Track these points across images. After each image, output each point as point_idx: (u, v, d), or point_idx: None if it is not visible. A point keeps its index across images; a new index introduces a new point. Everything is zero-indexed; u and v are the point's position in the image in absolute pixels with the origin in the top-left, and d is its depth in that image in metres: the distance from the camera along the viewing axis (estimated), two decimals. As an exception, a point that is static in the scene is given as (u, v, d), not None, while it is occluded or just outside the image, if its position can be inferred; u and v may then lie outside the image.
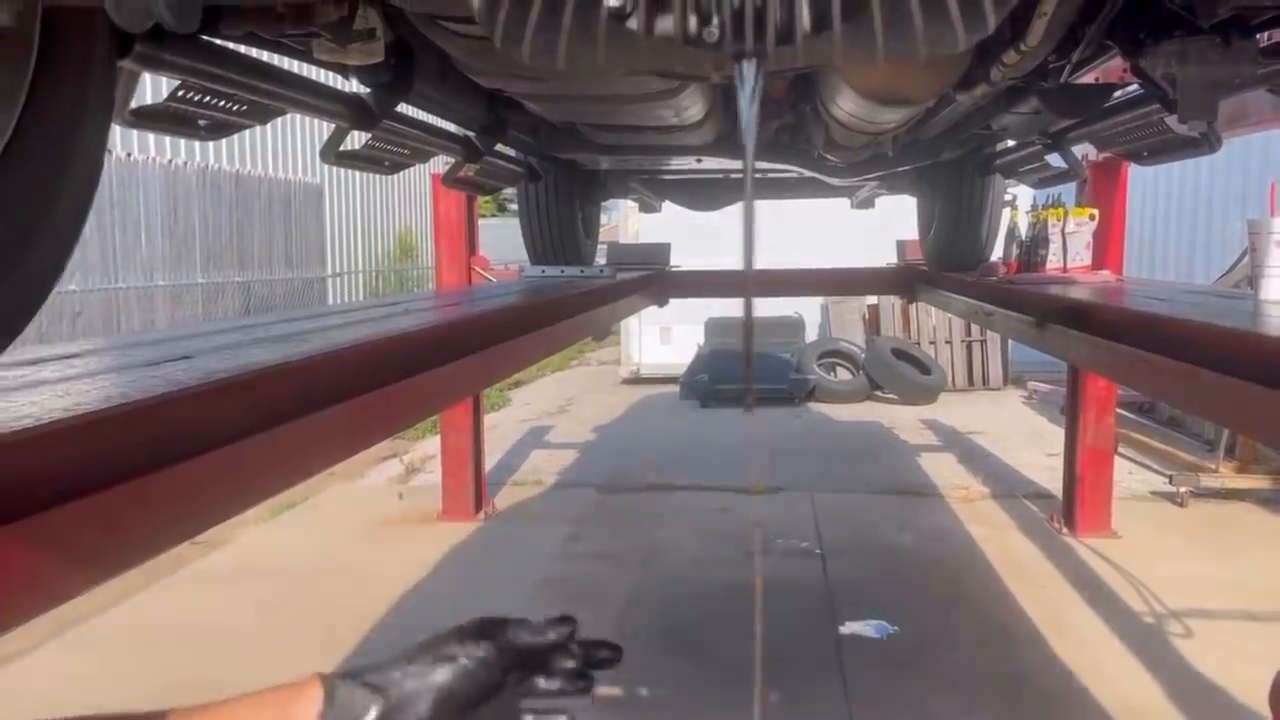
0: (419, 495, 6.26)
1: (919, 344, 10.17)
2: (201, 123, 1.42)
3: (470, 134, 2.84)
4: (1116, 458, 5.65)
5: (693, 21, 0.71)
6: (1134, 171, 5.21)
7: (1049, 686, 3.51)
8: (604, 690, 0.72)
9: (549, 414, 9.24)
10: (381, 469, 7.06)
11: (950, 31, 0.72)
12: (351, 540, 5.46)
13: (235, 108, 1.47)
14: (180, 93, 1.35)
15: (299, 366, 1.43)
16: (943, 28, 0.71)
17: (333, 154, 2.36)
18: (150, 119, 1.36)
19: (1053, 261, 3.62)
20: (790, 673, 3.53)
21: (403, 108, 2.15)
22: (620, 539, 5.38)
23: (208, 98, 1.39)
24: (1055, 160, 3.19)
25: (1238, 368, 1.66)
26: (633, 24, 0.72)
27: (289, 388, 1.38)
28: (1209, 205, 8.76)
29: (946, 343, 10.32)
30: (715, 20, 0.70)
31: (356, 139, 2.29)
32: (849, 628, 3.98)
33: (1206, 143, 2.14)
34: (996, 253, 4.06)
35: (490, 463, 6.59)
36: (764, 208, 6.63)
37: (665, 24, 0.72)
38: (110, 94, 1.04)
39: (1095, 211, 3.72)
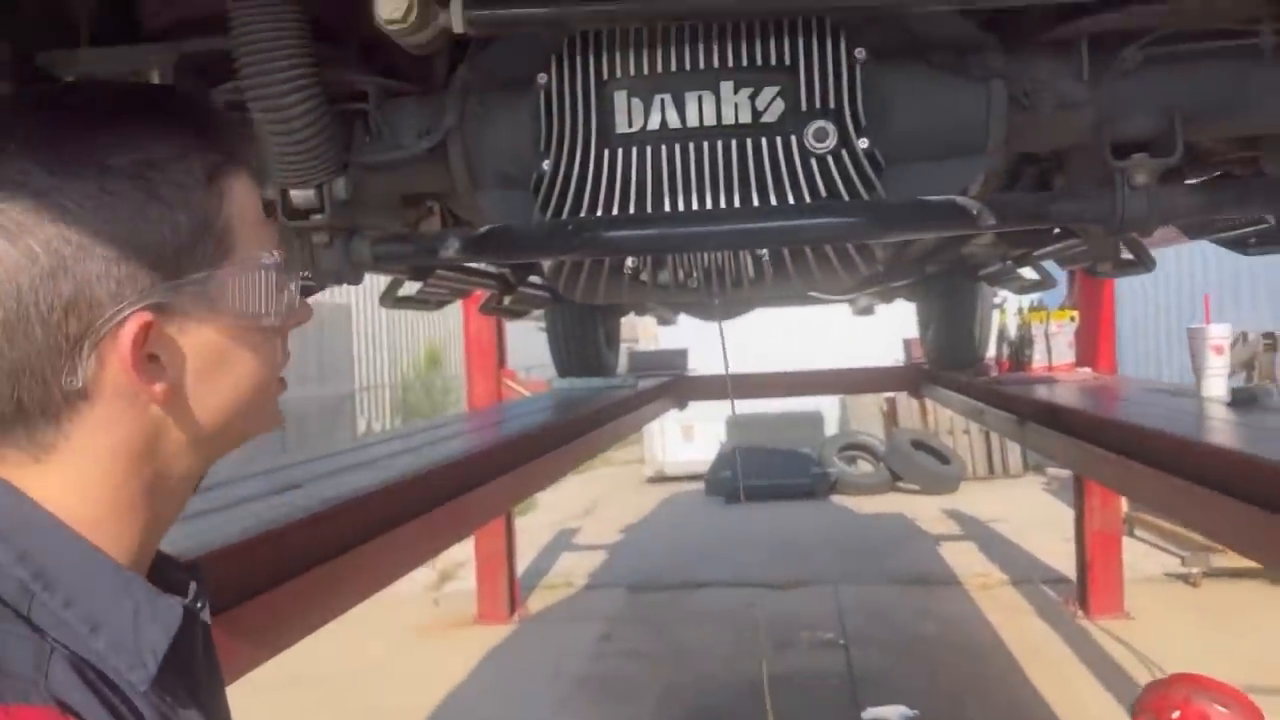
0: (454, 601, 6.51)
1: (937, 434, 10.41)
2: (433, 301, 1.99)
3: (506, 272, 3.24)
4: (1131, 540, 5.86)
5: (680, 275, 1.08)
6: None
7: (1063, 763, 3.69)
8: None
9: (576, 516, 9.49)
10: (414, 576, 7.32)
11: (839, 279, 1.08)
12: (392, 646, 5.71)
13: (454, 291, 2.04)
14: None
15: (384, 491, 1.78)
16: (834, 277, 1.08)
17: (392, 299, 2.75)
18: (404, 301, 1.88)
19: (1040, 361, 3.95)
20: (816, 757, 3.73)
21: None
22: (651, 637, 5.60)
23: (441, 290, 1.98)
24: (1030, 271, 3.54)
25: (1176, 467, 1.96)
26: (644, 278, 1.09)
27: (379, 509, 1.72)
28: (1203, 300, 9.06)
29: (964, 432, 10.54)
30: (695, 275, 1.07)
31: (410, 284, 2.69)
32: (871, 713, 4.19)
33: (1142, 264, 2.48)
34: (992, 351, 4.40)
35: (521, 566, 6.84)
36: (777, 312, 7.01)
37: (664, 277, 1.09)
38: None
39: (1075, 314, 4.05)
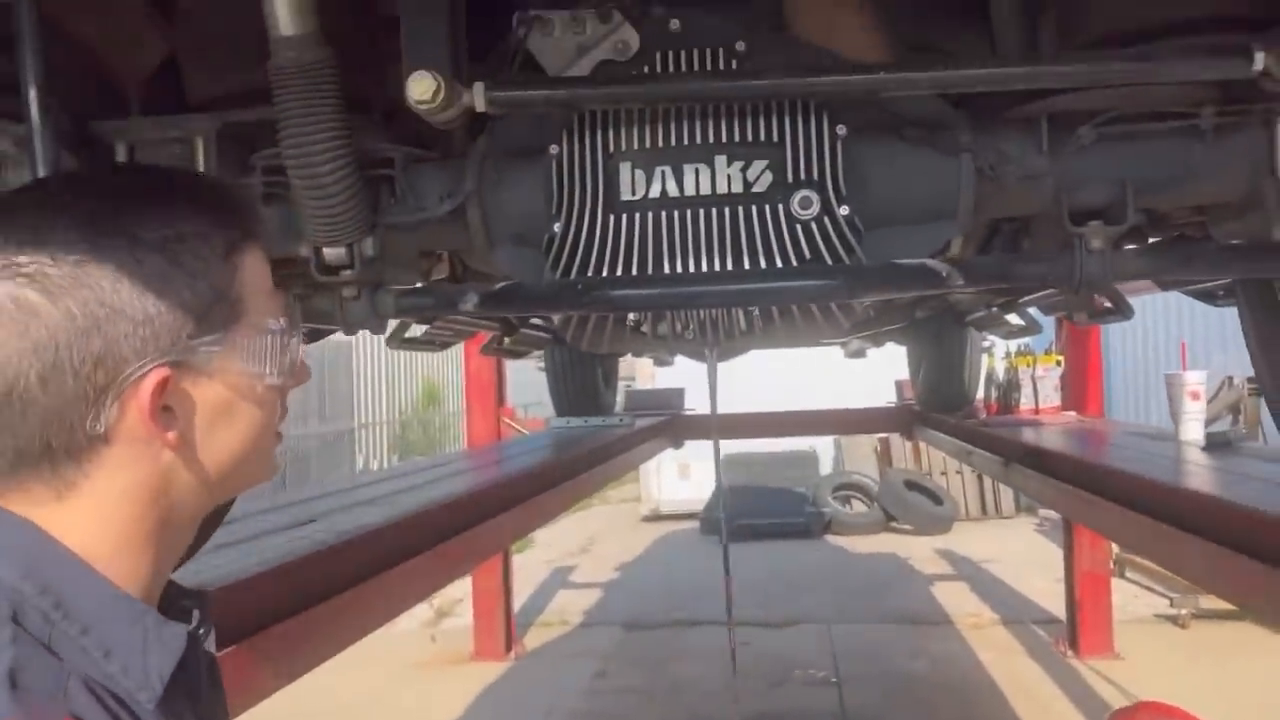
0: (451, 637, 6.55)
1: (930, 475, 10.49)
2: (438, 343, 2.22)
3: (509, 315, 3.35)
4: (1121, 582, 5.93)
5: (678, 327, 1.19)
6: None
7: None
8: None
9: (572, 554, 9.53)
10: (412, 612, 7.36)
11: (822, 333, 1.19)
12: (390, 682, 5.75)
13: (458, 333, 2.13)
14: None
15: (395, 526, 1.87)
16: (817, 332, 1.19)
17: (399, 341, 2.85)
18: (411, 343, 2.09)
19: (1027, 404, 4.06)
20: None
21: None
22: (646, 674, 5.64)
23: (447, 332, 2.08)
24: (1016, 318, 3.66)
25: (1148, 509, 2.06)
26: (644, 329, 1.20)
27: (390, 544, 1.82)
28: (1201, 343, 9.20)
29: (957, 473, 10.61)
30: (691, 327, 1.18)
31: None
32: (863, 750, 4.24)
33: (1120, 312, 2.59)
34: (981, 393, 4.52)
35: (517, 603, 6.88)
36: (772, 353, 7.12)
37: (663, 328, 1.20)
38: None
39: (1061, 358, 4.18)
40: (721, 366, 1.95)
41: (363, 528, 1.78)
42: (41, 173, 1.10)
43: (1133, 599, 6.44)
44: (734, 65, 1.24)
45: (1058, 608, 6.43)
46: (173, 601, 0.76)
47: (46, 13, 1.17)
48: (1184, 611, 5.99)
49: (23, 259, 0.65)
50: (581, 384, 4.88)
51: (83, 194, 0.70)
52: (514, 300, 1.30)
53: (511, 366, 6.68)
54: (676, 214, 1.23)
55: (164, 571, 0.73)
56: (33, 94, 1.09)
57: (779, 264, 1.19)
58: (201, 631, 0.75)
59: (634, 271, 1.21)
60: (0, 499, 0.68)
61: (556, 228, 1.26)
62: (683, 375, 7.09)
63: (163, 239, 0.68)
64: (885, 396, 6.95)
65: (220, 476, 0.73)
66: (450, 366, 16.86)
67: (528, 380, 10.63)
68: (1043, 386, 4.05)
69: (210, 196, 0.74)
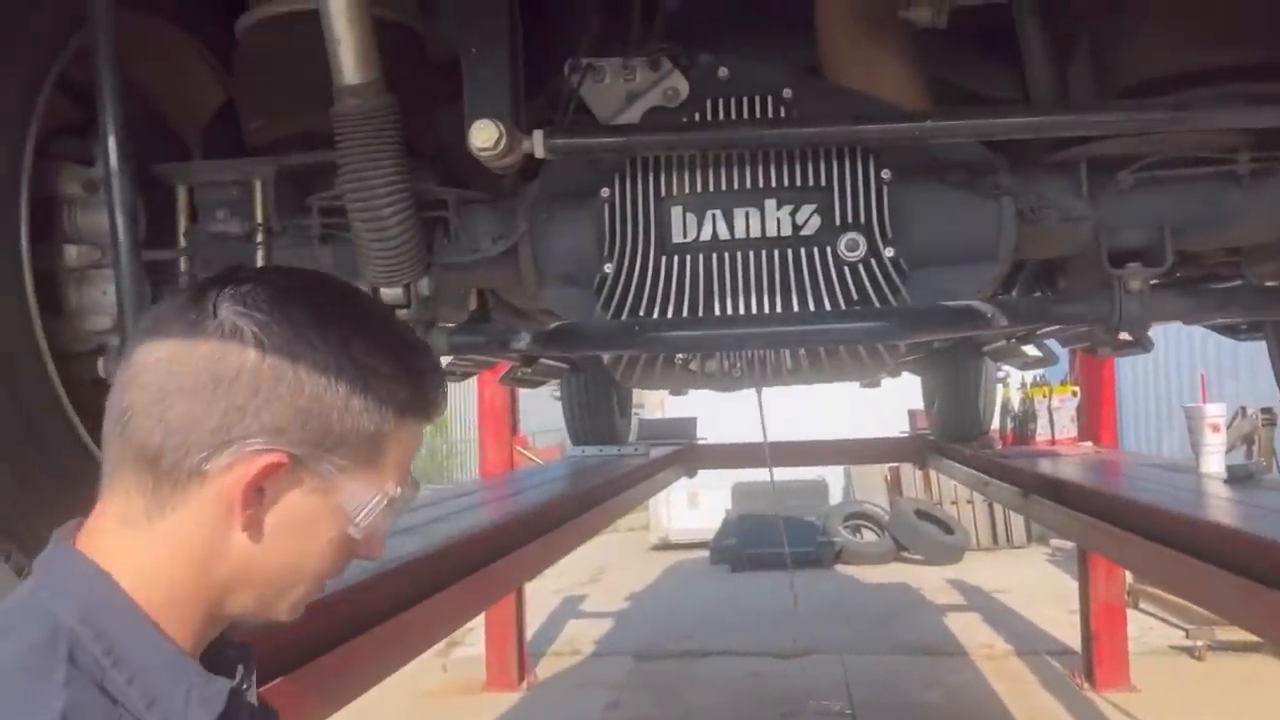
0: (462, 666, 6.52)
1: (941, 504, 10.45)
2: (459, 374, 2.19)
3: (564, 354, 3.38)
4: (1136, 613, 5.91)
5: (725, 365, 1.22)
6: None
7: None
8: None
9: (582, 583, 9.50)
10: (426, 642, 7.32)
11: (867, 371, 1.22)
12: (403, 713, 5.73)
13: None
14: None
15: (424, 559, 1.89)
16: (862, 369, 1.22)
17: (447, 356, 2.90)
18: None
19: (1043, 434, 4.07)
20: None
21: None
22: (658, 705, 5.62)
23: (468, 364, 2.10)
24: (1033, 349, 3.68)
25: (1174, 541, 2.07)
26: (693, 367, 1.23)
27: (419, 578, 1.84)
28: (1214, 372, 9.21)
29: (968, 502, 10.57)
30: (738, 365, 1.22)
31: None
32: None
33: (1140, 345, 2.62)
34: (996, 424, 4.53)
35: (529, 632, 6.86)
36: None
37: (711, 366, 1.23)
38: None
39: (1077, 389, 4.19)
40: (732, 396, 1.99)
41: (399, 559, 1.79)
42: (120, 218, 1.14)
43: (1148, 630, 6.41)
44: (781, 112, 1.28)
45: (1072, 639, 6.40)
46: (220, 652, 0.78)
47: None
48: (1200, 643, 5.96)
49: (260, 311, 0.70)
50: (597, 413, 4.91)
51: (324, 294, 0.76)
52: (571, 340, 1.33)
53: (522, 392, 6.70)
54: (727, 256, 1.27)
55: (208, 634, 0.75)
56: (111, 141, 1.13)
57: (827, 305, 1.23)
58: (245, 686, 0.78)
59: (685, 312, 1.25)
60: (107, 493, 0.72)
61: (608, 269, 1.30)
62: (694, 404, 7.13)
63: (364, 367, 0.72)
64: (897, 425, 6.96)
65: (261, 582, 0.74)
66: (455, 395, 16.83)
67: (535, 407, 10.63)
68: (1059, 417, 4.06)
69: (413, 357, 0.78)
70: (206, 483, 0.69)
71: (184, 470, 0.69)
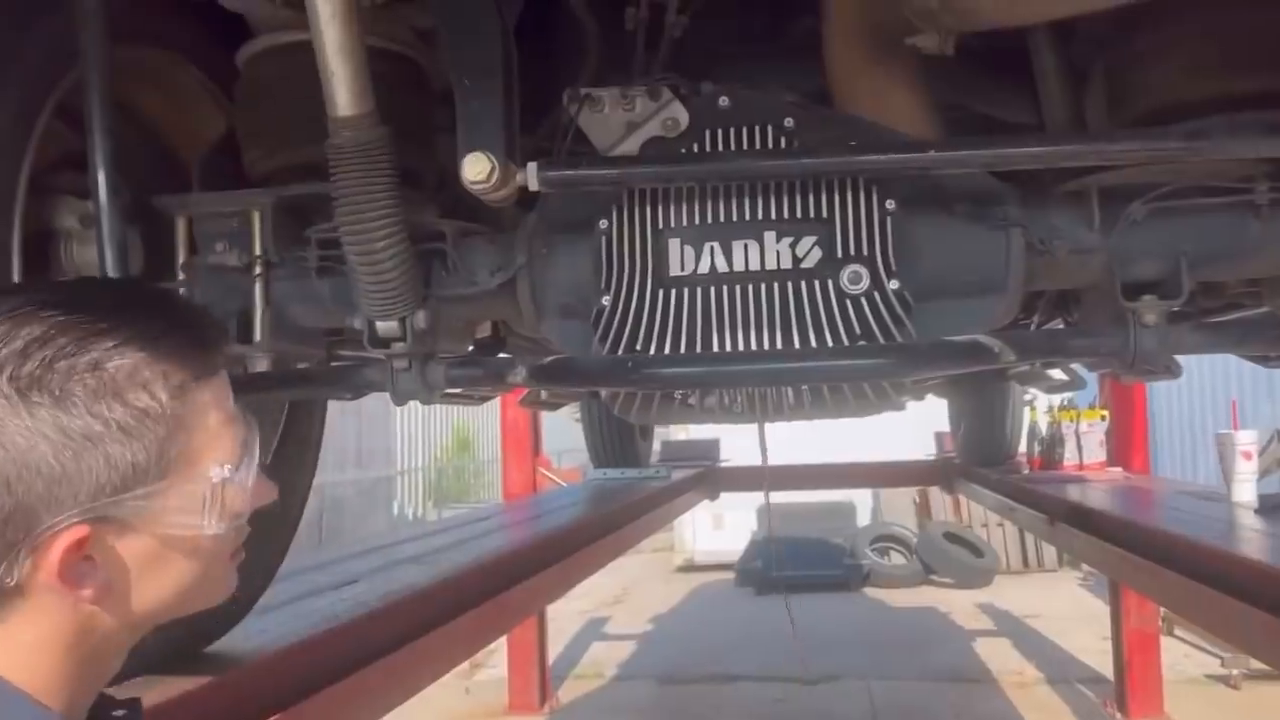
0: (485, 689, 6.49)
1: (970, 527, 10.31)
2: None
3: (556, 388, 3.37)
4: (1170, 640, 5.78)
5: (726, 400, 1.19)
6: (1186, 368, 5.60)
7: None
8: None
9: (606, 604, 9.45)
10: (449, 663, 7.30)
11: (871, 407, 1.19)
12: (425, 735, 5.70)
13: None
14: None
15: (441, 585, 1.88)
16: (866, 406, 1.19)
17: (440, 395, 2.88)
18: (451, 397, 2.09)
19: (1071, 459, 3.99)
20: None
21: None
22: (682, 730, 5.56)
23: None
24: (1059, 373, 3.62)
25: (1203, 574, 2.01)
26: (693, 402, 1.20)
27: (435, 604, 1.82)
28: (1249, 396, 9.02)
29: (999, 525, 10.41)
30: (739, 401, 1.18)
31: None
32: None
33: (1168, 371, 2.56)
34: (1023, 448, 4.45)
35: (552, 655, 6.82)
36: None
37: (711, 401, 1.20)
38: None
39: (1106, 413, 4.11)
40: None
41: (406, 588, 1.78)
42: (109, 250, 1.13)
43: (1182, 658, 6.27)
44: (783, 142, 1.25)
45: (1104, 666, 6.27)
46: (105, 713, 0.75)
47: (113, 89, 1.20)
48: (1235, 672, 5.82)
49: None
50: (618, 436, 4.89)
51: (23, 327, 0.66)
52: (563, 375, 1.31)
53: (547, 414, 6.68)
54: (725, 289, 1.24)
55: (89, 695, 0.72)
56: (101, 175, 1.12)
57: (829, 340, 1.19)
58: None
59: (683, 347, 1.22)
60: None
61: (605, 301, 1.27)
62: (717, 426, 7.10)
63: (93, 395, 0.65)
64: (923, 447, 6.88)
65: (150, 617, 0.71)
66: (482, 414, 16.90)
67: (560, 426, 10.63)
68: (1087, 442, 3.98)
69: (161, 324, 0.70)
70: (25, 591, 0.65)
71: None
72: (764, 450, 1.37)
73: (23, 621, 0.66)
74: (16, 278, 1.12)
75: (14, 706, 0.65)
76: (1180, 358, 1.57)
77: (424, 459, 15.43)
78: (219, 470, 0.70)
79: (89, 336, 0.66)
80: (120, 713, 0.77)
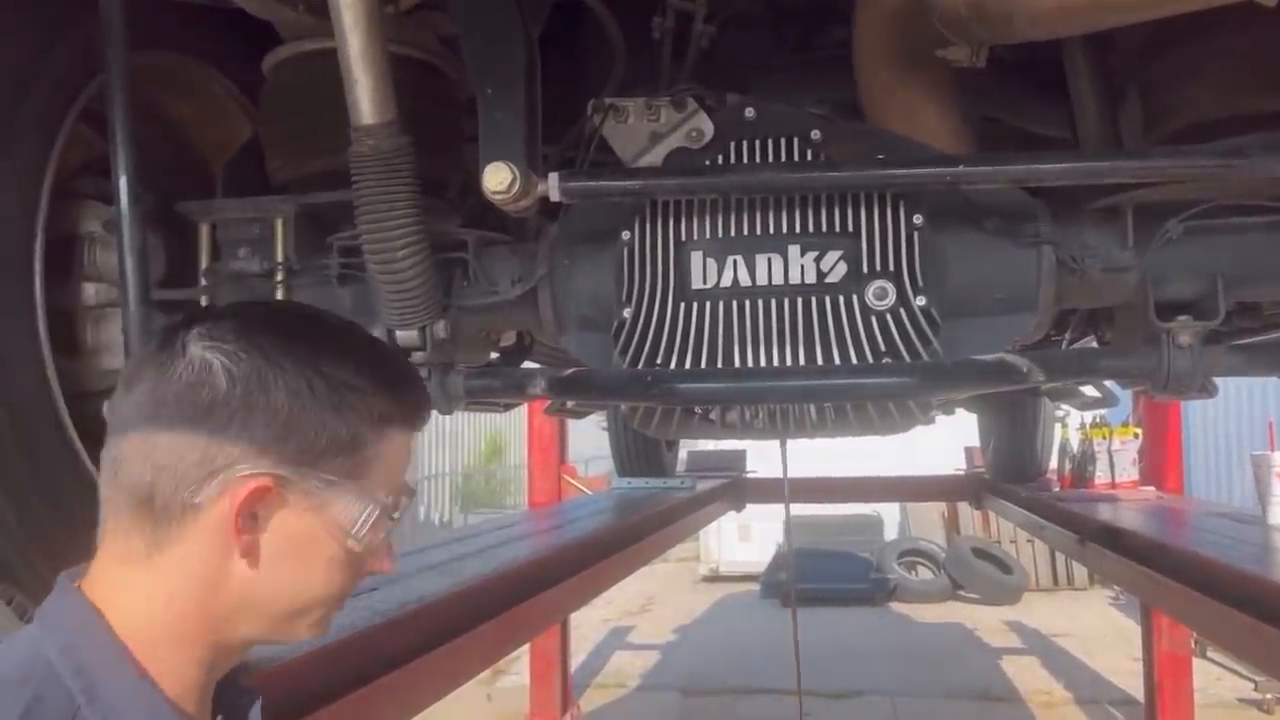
0: (506, 697, 6.49)
1: (999, 542, 10.19)
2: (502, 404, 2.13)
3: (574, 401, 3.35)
4: (1202, 662, 5.67)
5: (746, 415, 1.17)
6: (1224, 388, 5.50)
7: None
8: None
9: (630, 614, 9.42)
10: (472, 669, 7.30)
11: (896, 425, 1.16)
12: (446, 741, 5.70)
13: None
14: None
15: (459, 594, 1.86)
16: (891, 424, 1.16)
17: (460, 405, 2.88)
18: (476, 404, 2.11)
19: (1102, 477, 3.92)
20: None
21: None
22: (703, 743, 5.52)
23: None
24: (1091, 389, 3.55)
25: (1235, 600, 1.96)
26: (713, 417, 1.18)
27: (455, 612, 1.81)
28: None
29: (1028, 541, 10.27)
30: (760, 417, 1.16)
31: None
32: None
33: (1204, 391, 2.50)
34: (1054, 465, 4.38)
35: (574, 663, 6.80)
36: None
37: (732, 417, 1.18)
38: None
39: (1139, 430, 4.03)
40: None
41: (425, 597, 1.76)
42: (129, 257, 1.13)
43: (1215, 681, 6.15)
44: (808, 154, 1.23)
45: (1135, 687, 6.15)
46: (231, 701, 0.79)
47: (139, 95, 1.21)
48: (1269, 696, 5.70)
49: (226, 342, 0.71)
50: (644, 445, 4.87)
51: (289, 319, 0.78)
52: (581, 388, 1.29)
53: (573, 420, 6.68)
54: (748, 304, 1.22)
55: (207, 677, 0.75)
56: (123, 180, 1.12)
57: (853, 356, 1.17)
58: None
59: (703, 361, 1.20)
60: (107, 537, 0.73)
61: (626, 314, 1.26)
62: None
63: (340, 379, 0.73)
64: (953, 462, 6.80)
65: (269, 608, 0.74)
66: (513, 420, 16.92)
67: (590, 432, 10.63)
68: (1119, 460, 3.90)
69: (391, 368, 0.79)
70: (200, 515, 0.70)
71: (176, 506, 0.70)
72: (784, 465, 1.34)
73: (180, 553, 0.71)
74: (39, 282, 1.12)
75: (118, 673, 0.69)
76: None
77: (452, 464, 15.48)
78: (387, 498, 0.77)
79: (338, 338, 0.78)
80: (245, 700, 0.81)
